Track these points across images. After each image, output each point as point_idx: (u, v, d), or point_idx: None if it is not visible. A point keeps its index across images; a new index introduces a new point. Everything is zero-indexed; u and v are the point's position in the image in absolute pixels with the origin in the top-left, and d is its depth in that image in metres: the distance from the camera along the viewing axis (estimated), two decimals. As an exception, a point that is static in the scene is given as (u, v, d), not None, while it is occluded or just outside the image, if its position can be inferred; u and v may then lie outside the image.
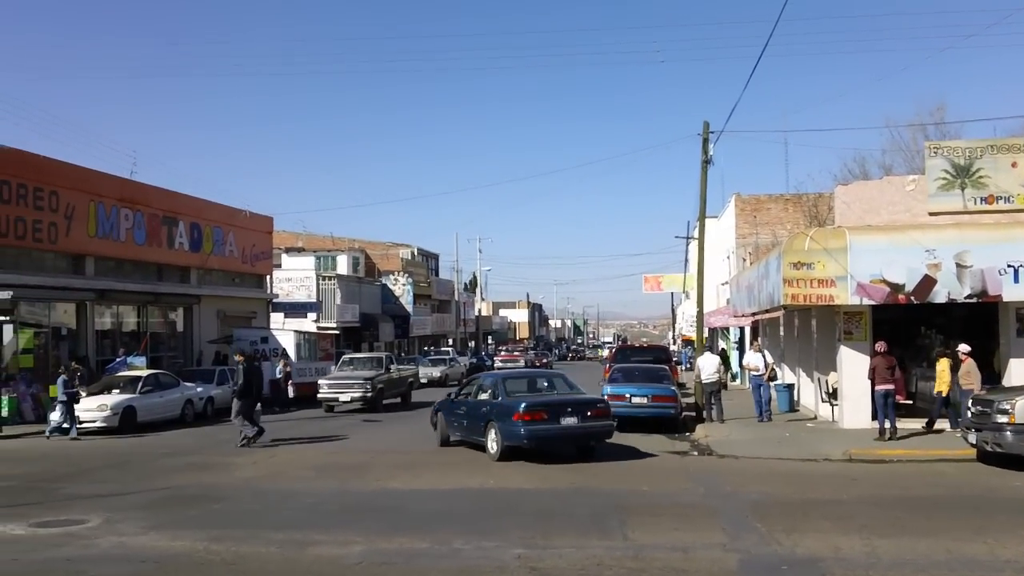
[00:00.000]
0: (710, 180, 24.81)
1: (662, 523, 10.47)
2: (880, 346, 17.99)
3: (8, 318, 23.22)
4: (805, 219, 35.92)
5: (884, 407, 17.63)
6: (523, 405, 15.87)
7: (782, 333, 28.29)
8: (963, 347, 17.60)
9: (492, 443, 16.23)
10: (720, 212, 43.47)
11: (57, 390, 21.13)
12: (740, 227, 38.71)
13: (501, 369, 43.37)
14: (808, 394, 24.29)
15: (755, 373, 22.34)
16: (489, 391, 17.32)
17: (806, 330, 24.11)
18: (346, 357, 31.54)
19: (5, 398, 22.85)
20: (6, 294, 22.91)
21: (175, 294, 33.42)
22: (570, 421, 15.83)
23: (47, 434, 20.99)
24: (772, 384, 23.22)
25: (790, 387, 24.71)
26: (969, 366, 17.29)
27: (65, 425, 21.01)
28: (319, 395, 27.78)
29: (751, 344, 23.66)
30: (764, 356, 22.51)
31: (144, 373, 24.50)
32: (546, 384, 18.18)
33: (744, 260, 36.50)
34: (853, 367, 19.09)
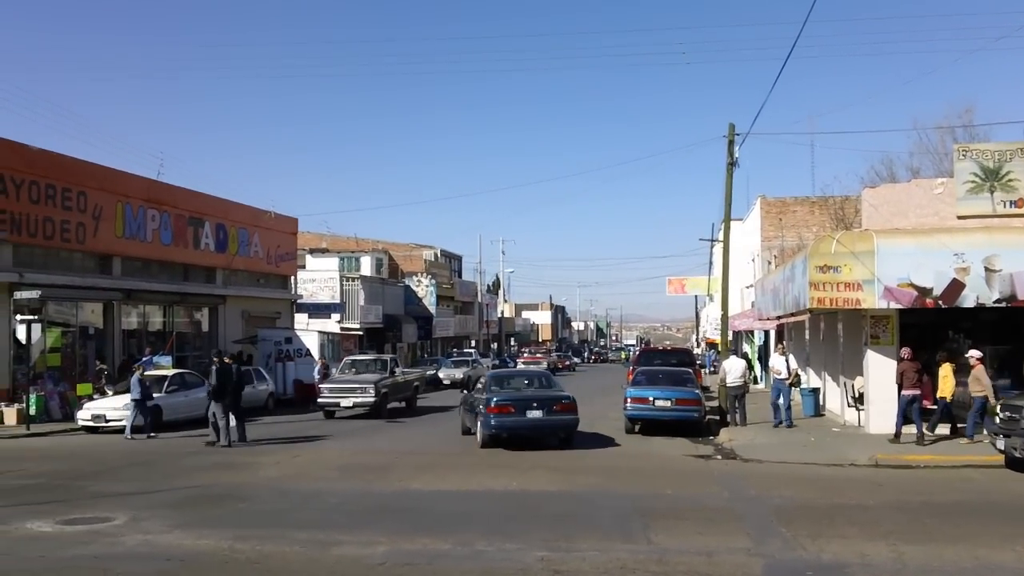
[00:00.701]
0: (735, 182, 24.62)
1: (686, 527, 10.41)
2: (906, 352, 17.90)
3: (36, 317, 23.48)
4: (831, 222, 35.65)
5: (907, 412, 17.60)
6: (494, 400, 18.16)
7: (807, 337, 28.06)
8: (974, 352, 17.53)
9: (479, 433, 18.42)
10: (745, 215, 43.22)
11: (132, 389, 20.92)
12: (765, 230, 38.45)
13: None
14: (834, 398, 24.09)
15: (777, 376, 22.16)
16: (483, 387, 19.50)
17: (832, 334, 23.91)
18: (347, 359, 29.64)
19: (33, 396, 23.12)
20: (34, 293, 23.17)
21: (201, 294, 33.71)
22: (536, 414, 17.99)
23: (127, 436, 20.47)
24: (795, 389, 22.94)
25: (815, 391, 24.51)
26: (979, 372, 17.24)
27: (122, 426, 21.15)
28: (319, 400, 26.18)
29: (776, 347, 23.34)
30: (788, 360, 22.23)
31: (170, 372, 24.70)
32: (527, 382, 20.26)
33: (769, 263, 36.28)
34: (880, 371, 18.92)
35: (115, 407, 21.64)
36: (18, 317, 23.27)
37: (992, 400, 16.59)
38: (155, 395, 22.51)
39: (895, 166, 38.40)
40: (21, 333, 22.99)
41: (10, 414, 23.08)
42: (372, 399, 25.42)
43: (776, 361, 22.48)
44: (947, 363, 17.93)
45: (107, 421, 21.47)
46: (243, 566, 8.70)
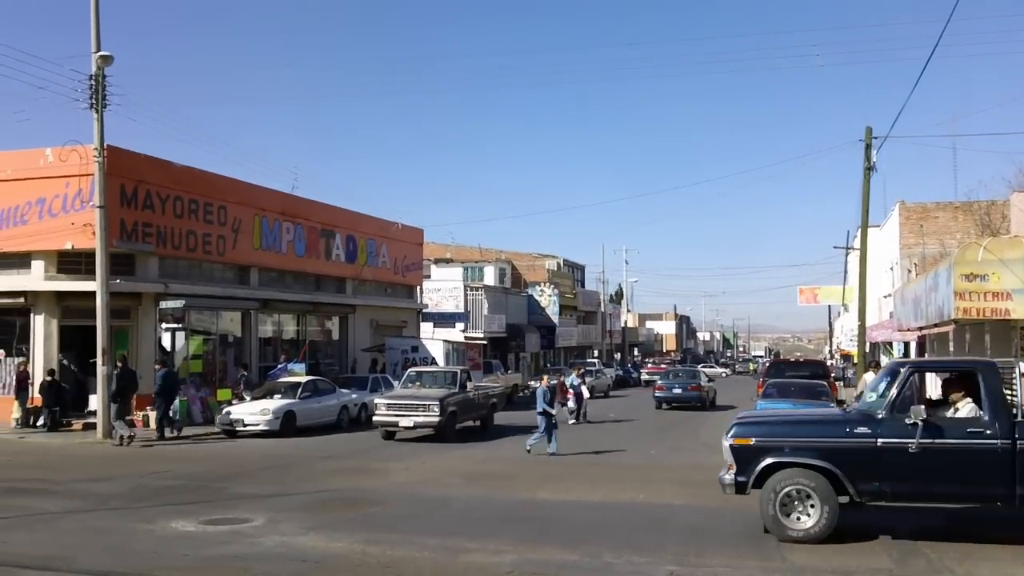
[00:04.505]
0: (872, 188, 23.64)
1: (822, 545, 9.97)
2: None
3: (180, 326, 24.66)
4: (976, 228, 33.82)
5: None
6: (657, 382, 37.04)
7: (951, 349, 26.65)
8: None
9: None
10: (883, 221, 41.53)
11: (538, 401, 19.78)
12: (905, 237, 36.82)
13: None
14: (980, 414, 22.73)
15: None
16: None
17: (978, 346, 22.61)
18: (412, 372, 25.81)
19: (177, 401, 24.23)
20: (179, 303, 24.35)
21: (332, 304, 34.69)
22: (677, 391, 34.71)
23: (550, 451, 19.10)
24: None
25: (959, 406, 23.17)
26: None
27: (260, 430, 22.21)
28: (375, 418, 22.44)
29: (870, 365, 21.47)
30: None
31: (303, 379, 25.41)
32: (681, 374, 37.60)
33: (909, 271, 34.72)
34: (1032, 386, 17.80)
35: (252, 412, 22.41)
36: (163, 326, 24.49)
37: None
38: (289, 401, 23.26)
39: (1046, 169, 36.10)
40: (166, 341, 24.20)
41: (155, 418, 24.25)
42: (436, 418, 21.51)
43: (871, 379, 20.79)
44: None
45: (245, 425, 22.24)
46: (374, 570, 8.84)
